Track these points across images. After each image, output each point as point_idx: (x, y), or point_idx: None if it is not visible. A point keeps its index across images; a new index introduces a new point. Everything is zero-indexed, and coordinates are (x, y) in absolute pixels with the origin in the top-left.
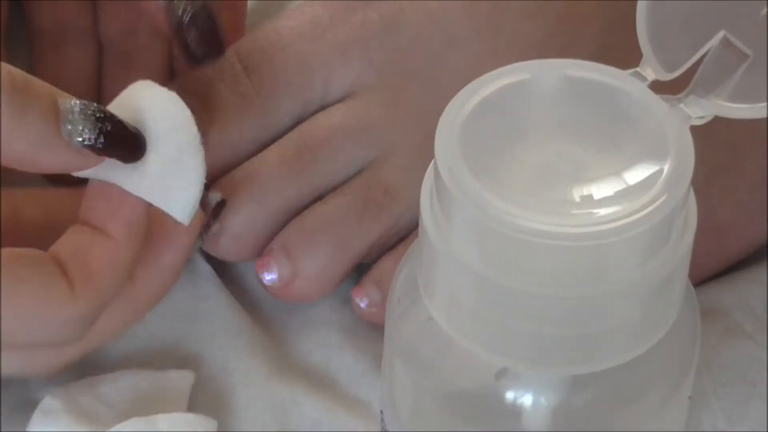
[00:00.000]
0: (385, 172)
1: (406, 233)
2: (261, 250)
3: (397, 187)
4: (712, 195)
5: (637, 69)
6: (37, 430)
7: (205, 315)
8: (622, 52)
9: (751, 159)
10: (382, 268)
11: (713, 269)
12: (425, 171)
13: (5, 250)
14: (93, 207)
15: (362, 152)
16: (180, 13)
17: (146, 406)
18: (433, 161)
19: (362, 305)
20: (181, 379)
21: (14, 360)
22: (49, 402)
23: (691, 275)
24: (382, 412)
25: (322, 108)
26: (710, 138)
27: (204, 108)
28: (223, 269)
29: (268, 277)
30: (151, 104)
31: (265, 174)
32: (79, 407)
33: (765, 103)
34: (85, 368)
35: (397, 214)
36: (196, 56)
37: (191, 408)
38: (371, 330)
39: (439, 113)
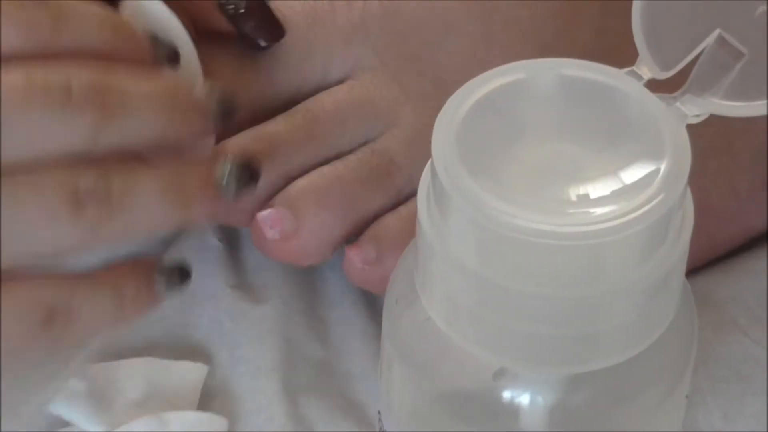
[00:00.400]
0: (390, 144)
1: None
2: None
3: (400, 157)
4: (704, 179)
5: (633, 68)
6: (59, 413)
7: (211, 296)
8: (617, 37)
9: (742, 142)
10: (381, 226)
11: (706, 256)
12: (427, 146)
13: None
14: None
15: (367, 125)
16: (234, 8)
17: (159, 397)
18: (430, 161)
19: (356, 260)
20: (194, 372)
21: None
22: (76, 383)
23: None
24: (379, 412)
25: (321, 89)
26: (703, 122)
27: (203, 71)
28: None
29: (271, 231)
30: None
31: (273, 138)
32: (100, 392)
33: (761, 101)
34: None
35: (401, 183)
36: (259, 45)
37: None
38: (369, 332)
39: (439, 93)
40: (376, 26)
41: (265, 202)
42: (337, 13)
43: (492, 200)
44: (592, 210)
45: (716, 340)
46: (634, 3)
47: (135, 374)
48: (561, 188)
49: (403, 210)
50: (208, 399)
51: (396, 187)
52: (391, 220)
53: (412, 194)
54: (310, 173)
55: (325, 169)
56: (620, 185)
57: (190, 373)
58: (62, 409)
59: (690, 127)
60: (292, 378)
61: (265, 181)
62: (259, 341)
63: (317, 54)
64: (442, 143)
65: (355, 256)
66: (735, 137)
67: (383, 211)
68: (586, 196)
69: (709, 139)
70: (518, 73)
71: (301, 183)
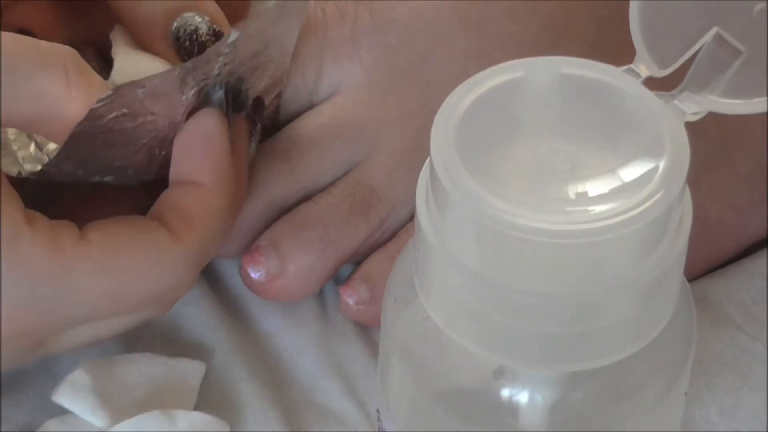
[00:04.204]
0: (372, 172)
1: (393, 233)
2: (244, 247)
3: (383, 186)
4: (702, 191)
5: (631, 66)
6: (62, 404)
7: (204, 296)
8: (610, 51)
9: (741, 155)
10: (371, 266)
11: (704, 266)
12: (412, 170)
13: (107, 223)
14: (181, 165)
15: (350, 152)
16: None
17: (158, 393)
18: (428, 159)
19: (351, 302)
20: (192, 370)
21: (139, 317)
22: (80, 376)
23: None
24: (378, 411)
25: (311, 102)
26: (701, 134)
27: None
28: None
29: (256, 273)
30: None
31: (254, 170)
32: (102, 386)
33: (759, 99)
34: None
35: (384, 213)
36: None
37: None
38: (366, 332)
39: (426, 113)
40: (367, 41)
41: (250, 234)
42: (329, 27)
43: (491, 198)
44: (591, 208)
45: (712, 337)
46: (632, 2)
47: (134, 371)
48: (560, 186)
49: (391, 247)
50: (202, 399)
51: (379, 217)
52: (381, 259)
53: (397, 223)
54: (293, 211)
55: (308, 206)
56: (619, 183)
57: (189, 371)
58: (65, 400)
59: (689, 141)
60: (290, 381)
61: (247, 213)
62: (255, 343)
63: (309, 66)
64: (440, 141)
65: (348, 297)
66: (734, 151)
67: (369, 240)
68: (585, 194)
69: (708, 152)
70: (517, 71)
71: (284, 223)
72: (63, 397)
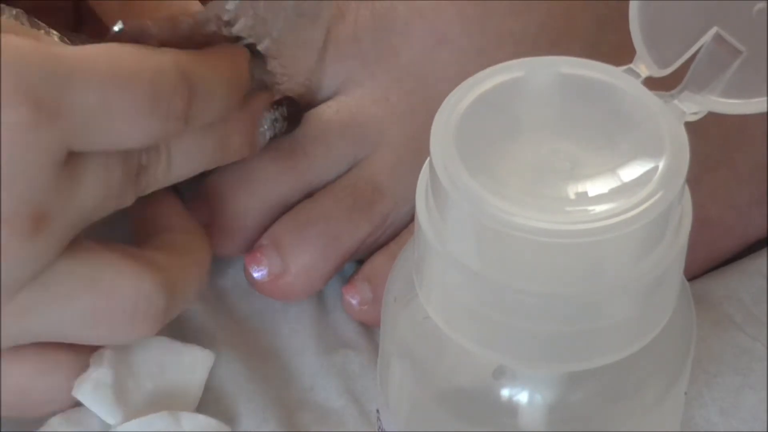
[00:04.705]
0: (374, 170)
1: (395, 231)
2: (249, 245)
3: (385, 184)
4: (702, 191)
5: (631, 66)
6: (82, 401)
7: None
8: (610, 51)
9: (741, 155)
10: (374, 265)
11: (704, 266)
12: (414, 168)
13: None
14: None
15: (353, 149)
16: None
17: (169, 384)
18: (428, 159)
19: (353, 302)
20: (202, 359)
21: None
22: (104, 372)
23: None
24: (378, 411)
25: (312, 101)
26: (700, 134)
27: None
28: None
29: (258, 272)
30: None
31: (258, 168)
32: (120, 381)
33: (759, 99)
34: None
35: (386, 211)
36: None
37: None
38: (367, 330)
39: (428, 110)
40: (369, 39)
41: (252, 234)
42: (330, 26)
43: (491, 198)
44: (590, 208)
45: (712, 337)
46: (632, 1)
47: (149, 359)
48: (559, 186)
49: (393, 247)
50: (201, 397)
51: (381, 214)
52: (383, 259)
53: (399, 221)
54: (294, 209)
55: (309, 204)
56: (619, 183)
57: (198, 359)
58: (86, 397)
59: (689, 141)
60: (289, 380)
61: (251, 212)
62: (255, 342)
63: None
64: (440, 141)
65: (351, 298)
66: (734, 151)
67: (371, 238)
68: (585, 193)
69: (708, 152)
70: (516, 70)
71: (286, 221)
72: (84, 393)
